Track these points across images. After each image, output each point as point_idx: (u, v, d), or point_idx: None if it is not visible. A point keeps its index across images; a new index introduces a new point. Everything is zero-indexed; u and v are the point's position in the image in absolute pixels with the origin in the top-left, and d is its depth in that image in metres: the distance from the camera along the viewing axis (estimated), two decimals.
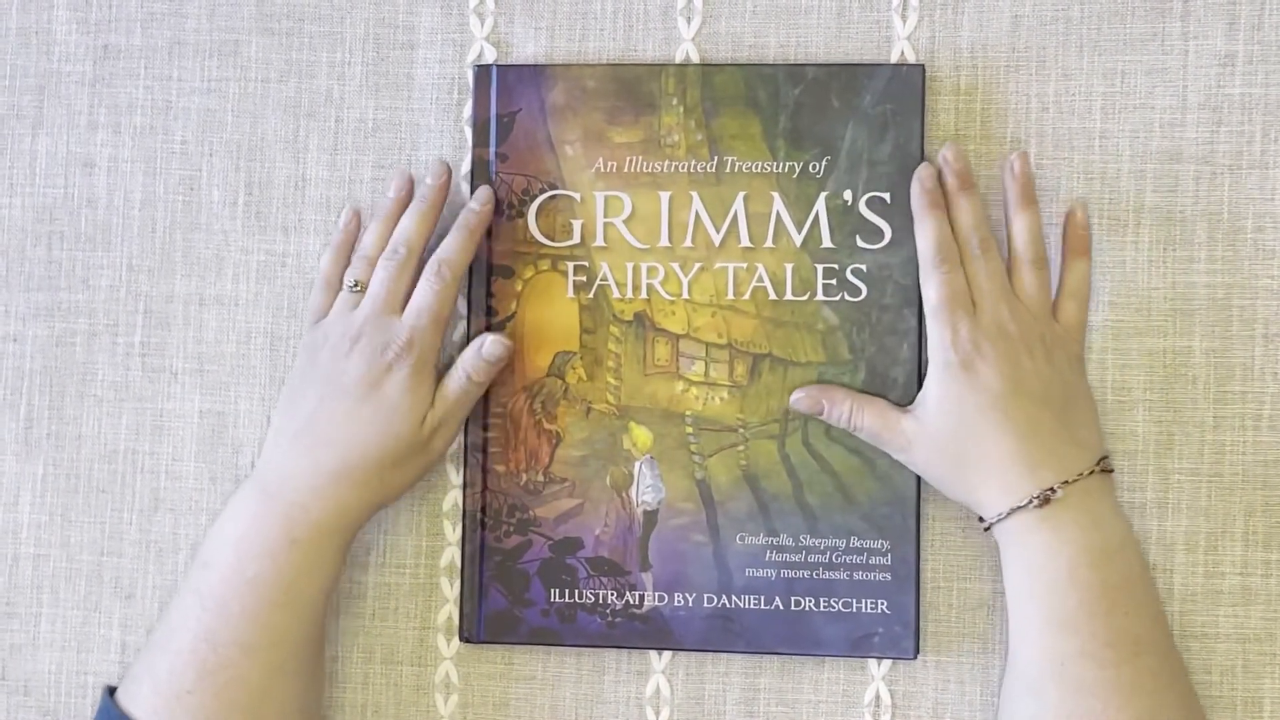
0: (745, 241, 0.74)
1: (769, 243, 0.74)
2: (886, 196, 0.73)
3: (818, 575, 0.73)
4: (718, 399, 0.74)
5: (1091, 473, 0.68)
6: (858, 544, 0.73)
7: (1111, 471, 0.70)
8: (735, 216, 0.74)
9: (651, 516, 0.74)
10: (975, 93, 0.75)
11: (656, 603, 0.74)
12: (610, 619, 0.74)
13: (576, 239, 0.75)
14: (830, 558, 0.73)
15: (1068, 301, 0.72)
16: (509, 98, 0.75)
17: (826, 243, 0.73)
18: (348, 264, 0.75)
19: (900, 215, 0.73)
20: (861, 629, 0.73)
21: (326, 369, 0.71)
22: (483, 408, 0.75)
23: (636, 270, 0.74)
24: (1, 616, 0.79)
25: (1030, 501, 0.66)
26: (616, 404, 0.74)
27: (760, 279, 0.74)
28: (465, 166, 0.77)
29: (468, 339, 0.75)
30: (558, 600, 0.74)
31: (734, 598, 0.73)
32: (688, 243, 0.74)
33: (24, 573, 0.79)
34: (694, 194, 0.74)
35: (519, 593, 0.74)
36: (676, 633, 0.74)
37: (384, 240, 0.74)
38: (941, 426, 0.69)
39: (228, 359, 0.78)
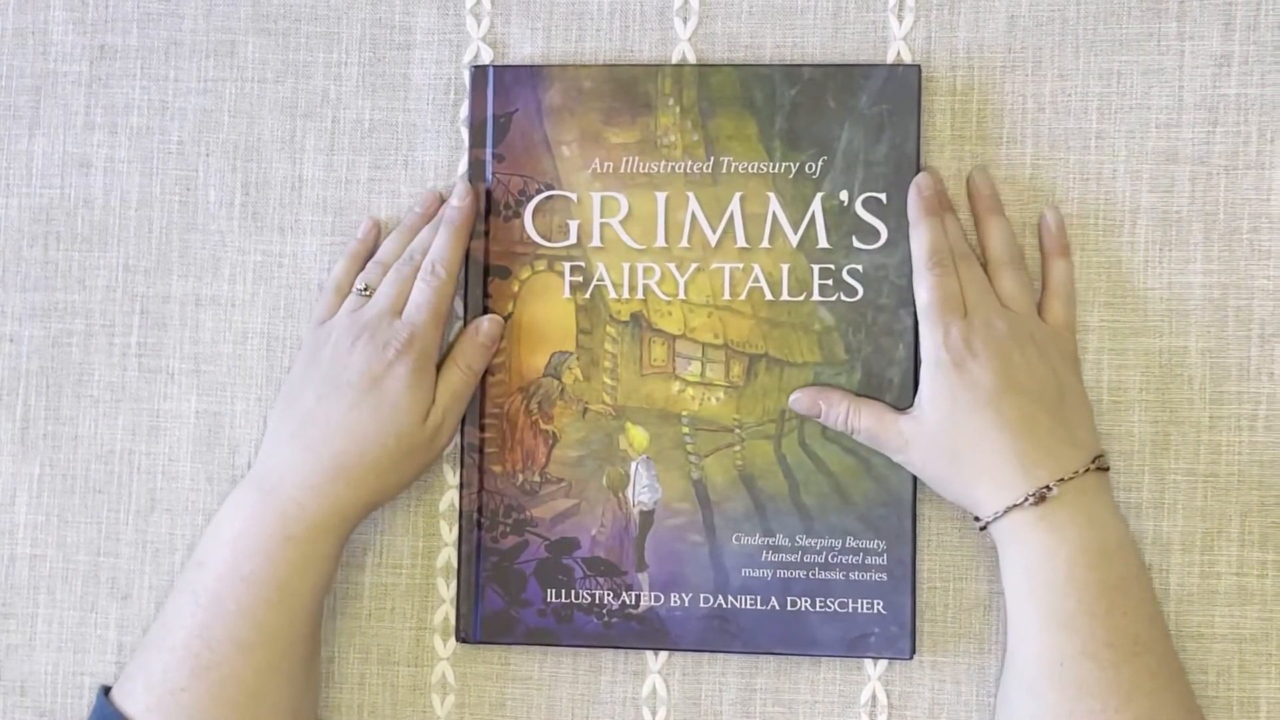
0: (741, 242, 0.74)
1: (765, 243, 0.74)
2: (882, 197, 0.73)
3: (814, 575, 0.73)
4: (714, 399, 0.74)
5: (1087, 470, 0.68)
6: (854, 544, 0.73)
7: (1107, 470, 0.70)
8: (731, 217, 0.74)
9: (648, 517, 0.74)
10: (971, 93, 0.75)
11: (653, 603, 0.74)
12: (607, 619, 0.74)
13: (573, 239, 0.75)
14: (826, 558, 0.73)
15: (1053, 301, 0.72)
16: (505, 98, 0.75)
17: (823, 243, 0.73)
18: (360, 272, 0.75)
19: (896, 216, 0.73)
20: (858, 629, 0.73)
21: (327, 367, 0.71)
22: (479, 408, 0.75)
23: (633, 271, 0.74)
24: None
25: (1026, 499, 0.67)
26: (613, 404, 0.74)
27: (756, 279, 0.74)
28: (462, 167, 0.77)
29: None
30: (554, 600, 0.74)
31: (730, 598, 0.73)
32: (684, 243, 0.74)
33: (20, 573, 0.79)
34: (690, 194, 0.74)
35: (515, 593, 0.74)
36: (673, 633, 0.74)
37: (401, 249, 0.75)
38: (936, 426, 0.69)
39: (224, 359, 0.78)
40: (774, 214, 0.73)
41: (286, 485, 0.70)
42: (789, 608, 0.73)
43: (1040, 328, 0.71)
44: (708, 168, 0.74)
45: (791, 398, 0.73)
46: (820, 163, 0.73)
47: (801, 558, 0.73)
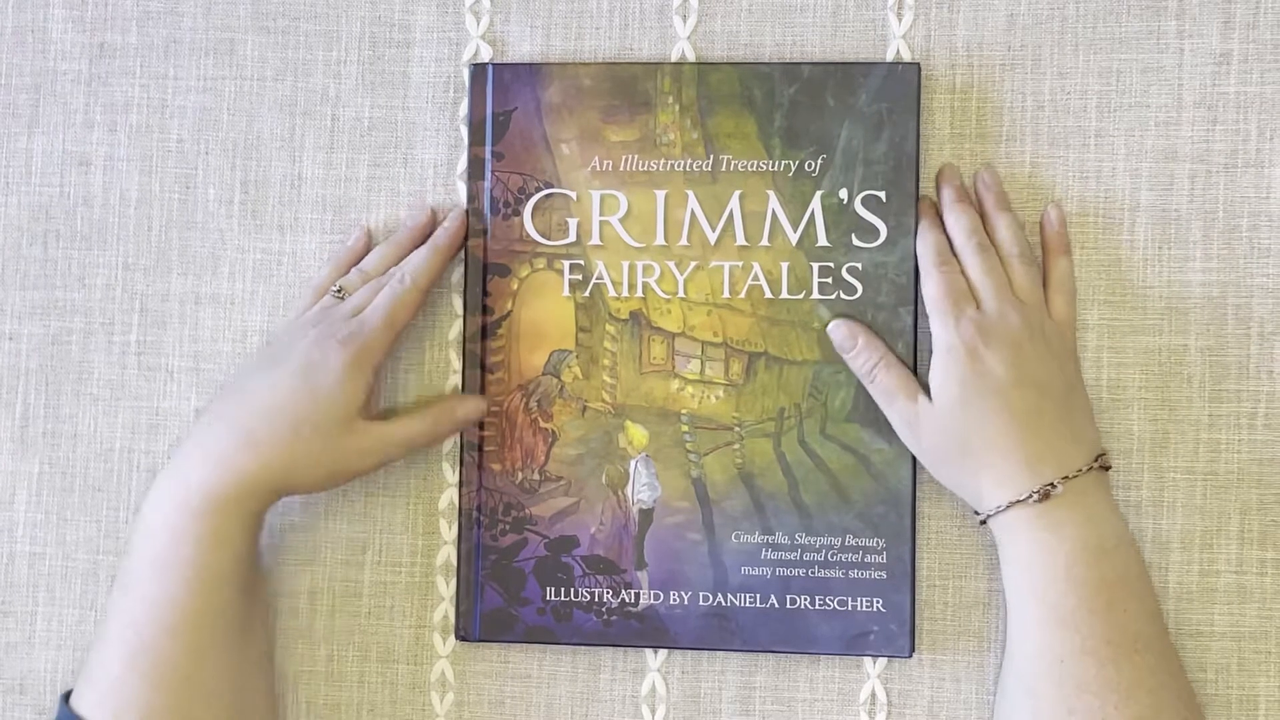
0: (741, 240, 0.74)
1: (764, 241, 0.74)
2: (882, 195, 0.73)
3: (813, 573, 0.73)
4: (713, 397, 0.74)
5: (1090, 469, 0.68)
6: (853, 542, 0.73)
7: (1109, 468, 0.70)
8: (731, 215, 0.74)
9: (647, 515, 0.74)
10: (971, 91, 0.75)
11: (652, 601, 0.74)
12: (606, 617, 0.74)
13: (572, 237, 0.75)
14: (826, 556, 0.73)
15: (1056, 297, 0.72)
16: (505, 96, 0.75)
17: (822, 241, 0.73)
18: None
19: (896, 214, 0.73)
20: (857, 627, 0.73)
21: (274, 350, 0.72)
22: None
23: (632, 269, 0.74)
24: None
25: (1030, 496, 0.67)
26: (612, 402, 0.74)
27: (756, 277, 0.74)
28: (461, 165, 0.77)
29: (464, 338, 0.75)
30: (553, 599, 0.74)
31: (729, 596, 0.73)
32: (683, 241, 0.74)
33: (19, 571, 0.79)
34: (690, 192, 0.74)
35: (515, 591, 0.74)
36: (672, 631, 0.74)
37: (388, 263, 0.75)
38: (944, 412, 0.68)
39: (224, 358, 0.78)
40: (773, 212, 0.73)
41: (193, 456, 0.69)
42: (788, 606, 0.73)
43: (1049, 322, 0.71)
44: (707, 166, 0.74)
45: (832, 324, 0.72)
46: (819, 161, 0.73)
47: (801, 556, 0.73)
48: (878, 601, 0.73)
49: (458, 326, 0.77)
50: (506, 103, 0.75)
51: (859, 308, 0.73)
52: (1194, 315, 0.74)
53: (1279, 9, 0.74)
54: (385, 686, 0.77)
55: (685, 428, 0.74)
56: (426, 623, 0.77)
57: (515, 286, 0.75)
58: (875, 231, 0.73)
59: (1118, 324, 0.74)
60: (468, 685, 0.76)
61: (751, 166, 0.74)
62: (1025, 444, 0.67)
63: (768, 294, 0.74)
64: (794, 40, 0.76)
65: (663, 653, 0.76)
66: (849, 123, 0.73)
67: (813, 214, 0.73)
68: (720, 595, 0.73)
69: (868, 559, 0.73)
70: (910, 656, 0.73)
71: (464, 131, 0.77)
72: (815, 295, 0.73)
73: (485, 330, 0.75)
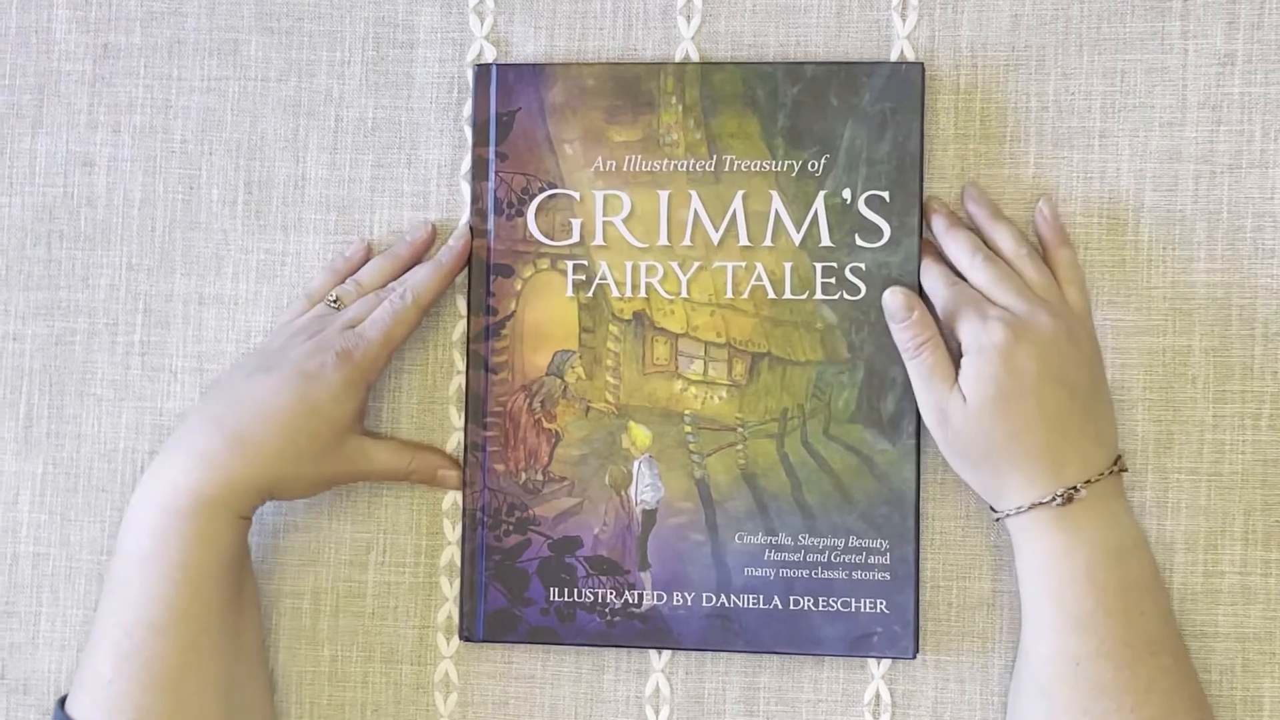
0: (744, 240, 0.74)
1: (768, 241, 0.74)
2: (885, 195, 0.73)
3: (816, 574, 0.73)
4: (716, 398, 0.74)
5: (1111, 472, 0.68)
6: (856, 543, 0.73)
7: (1126, 470, 0.70)
8: (734, 215, 0.74)
9: (650, 515, 0.74)
10: (975, 91, 0.75)
11: (655, 602, 0.74)
12: (609, 618, 0.74)
13: (575, 238, 0.75)
14: (829, 557, 0.73)
15: (1067, 288, 0.72)
16: (508, 97, 0.75)
17: (825, 241, 0.73)
18: None
19: (899, 214, 0.73)
20: (860, 628, 0.73)
21: (267, 354, 0.72)
22: (482, 407, 0.75)
23: (635, 269, 0.74)
24: (1, 615, 0.79)
25: (1054, 499, 0.66)
26: (615, 403, 0.74)
27: (759, 278, 0.74)
28: (465, 165, 0.77)
29: (468, 339, 0.75)
30: (557, 599, 0.74)
31: (733, 597, 0.73)
32: (686, 241, 0.74)
33: (24, 571, 0.79)
34: (693, 193, 0.74)
35: (518, 592, 0.74)
36: (675, 632, 0.74)
37: (385, 276, 0.75)
38: (978, 410, 0.67)
39: (227, 358, 0.78)
40: (776, 212, 0.73)
41: (179, 454, 0.69)
42: (792, 607, 0.73)
43: (1073, 316, 0.70)
44: (710, 166, 0.74)
45: (888, 291, 0.71)
46: (823, 161, 0.73)
47: (804, 557, 0.73)
48: (881, 603, 0.73)
49: (461, 327, 0.77)
50: (510, 103, 0.75)
51: (862, 308, 0.73)
52: (1198, 316, 0.74)
53: None
54: (389, 687, 0.77)
55: (688, 428, 0.74)
56: (430, 623, 0.77)
57: (519, 287, 0.75)
58: (879, 231, 0.73)
59: (1122, 324, 0.74)
60: (471, 686, 0.76)
61: (755, 166, 0.74)
62: (1052, 445, 0.67)
63: (771, 294, 0.74)
64: (798, 40, 0.76)
65: (666, 653, 0.76)
66: (852, 123, 0.73)
67: (816, 214, 0.73)
68: (723, 596, 0.73)
69: (871, 560, 0.73)
70: (914, 658, 0.73)
71: (468, 132, 0.77)
72: (818, 295, 0.73)
73: (489, 331, 0.75)
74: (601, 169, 0.74)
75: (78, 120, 0.79)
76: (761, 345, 0.74)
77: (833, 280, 0.73)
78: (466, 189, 0.77)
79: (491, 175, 0.75)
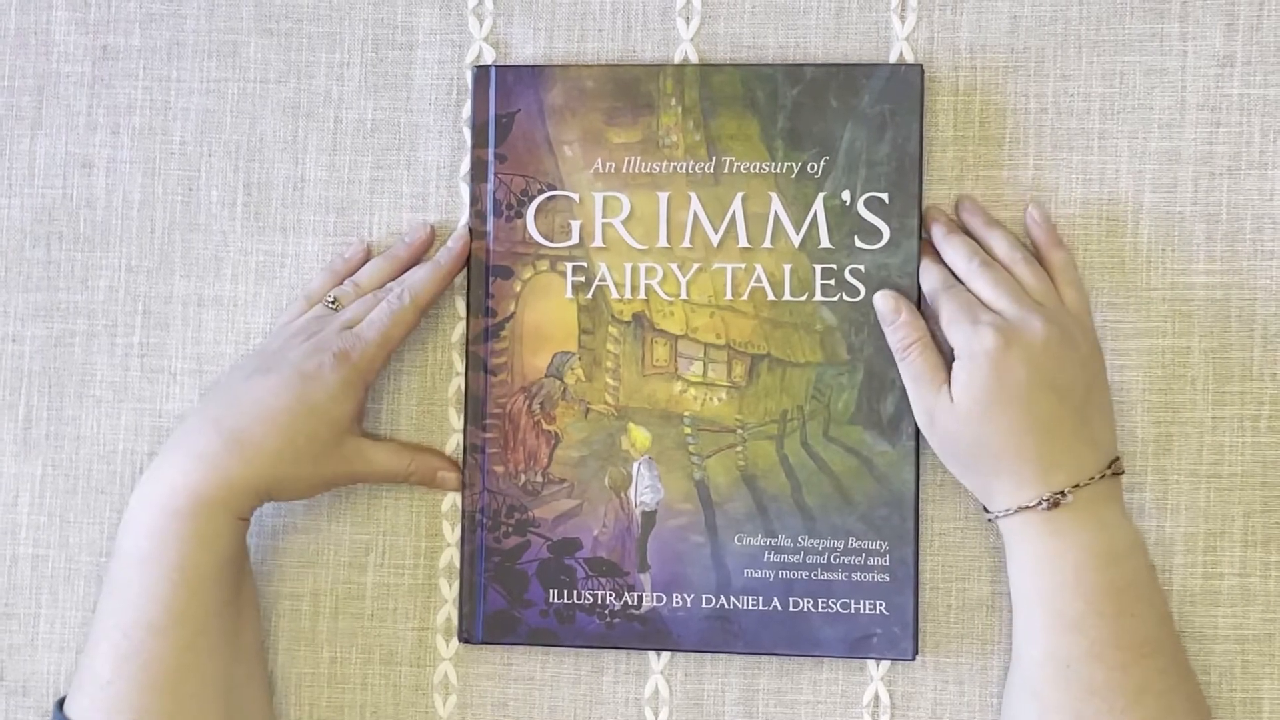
0: (743, 242, 0.74)
1: (767, 243, 0.74)
2: (885, 197, 0.73)
3: (816, 576, 0.73)
4: (716, 399, 0.74)
5: (1103, 476, 0.68)
6: (856, 545, 0.73)
7: (1122, 474, 0.70)
8: (733, 217, 0.74)
9: (650, 517, 0.74)
10: (974, 93, 0.75)
11: (655, 603, 0.74)
12: (609, 620, 0.74)
13: (575, 239, 0.75)
14: (829, 558, 0.73)
15: (1065, 289, 0.72)
16: (508, 98, 0.75)
17: (825, 243, 0.73)
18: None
19: (898, 216, 0.73)
20: (860, 630, 0.73)
21: (266, 355, 0.72)
22: (481, 408, 0.75)
23: (635, 271, 0.74)
24: (0, 617, 0.79)
25: (1040, 503, 0.66)
26: (615, 404, 0.74)
27: (758, 279, 0.74)
28: (464, 167, 0.77)
29: (467, 340, 0.75)
30: (556, 601, 0.74)
31: (732, 598, 0.73)
32: (686, 243, 0.74)
33: (23, 573, 0.79)
34: (692, 194, 0.74)
35: (518, 593, 0.74)
36: (675, 633, 0.74)
37: (383, 277, 0.75)
38: (966, 413, 0.67)
39: (226, 359, 0.78)
40: (776, 214, 0.73)
41: (177, 455, 0.69)
42: (791, 608, 0.73)
43: (1070, 319, 0.70)
44: (710, 168, 0.74)
45: (878, 294, 0.72)
46: (822, 163, 0.73)
47: (804, 558, 0.73)
48: (881, 604, 0.73)
49: (460, 328, 0.77)
50: (509, 105, 0.75)
51: (862, 310, 0.73)
52: (1197, 318, 0.74)
53: None
54: (388, 689, 0.77)
55: (688, 430, 0.74)
56: (429, 625, 0.77)
57: (518, 288, 0.75)
58: (878, 233, 0.73)
59: (1121, 326, 0.74)
60: (470, 687, 0.76)
61: (754, 168, 0.74)
62: (1040, 452, 0.67)
63: (770, 296, 0.74)
64: (797, 42, 0.76)
65: (665, 655, 0.76)
66: (852, 124, 0.73)
67: (815, 216, 0.73)
68: (723, 598, 0.73)
69: (871, 561, 0.73)
70: (913, 659, 0.73)
71: (467, 134, 0.77)
72: (818, 297, 0.73)
73: (488, 332, 0.75)
74: (601, 170, 0.74)
75: (77, 122, 0.79)
76: (761, 347, 0.74)
77: (832, 282, 0.73)
78: (465, 190, 0.77)
79: (491, 177, 0.75)
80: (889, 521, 0.73)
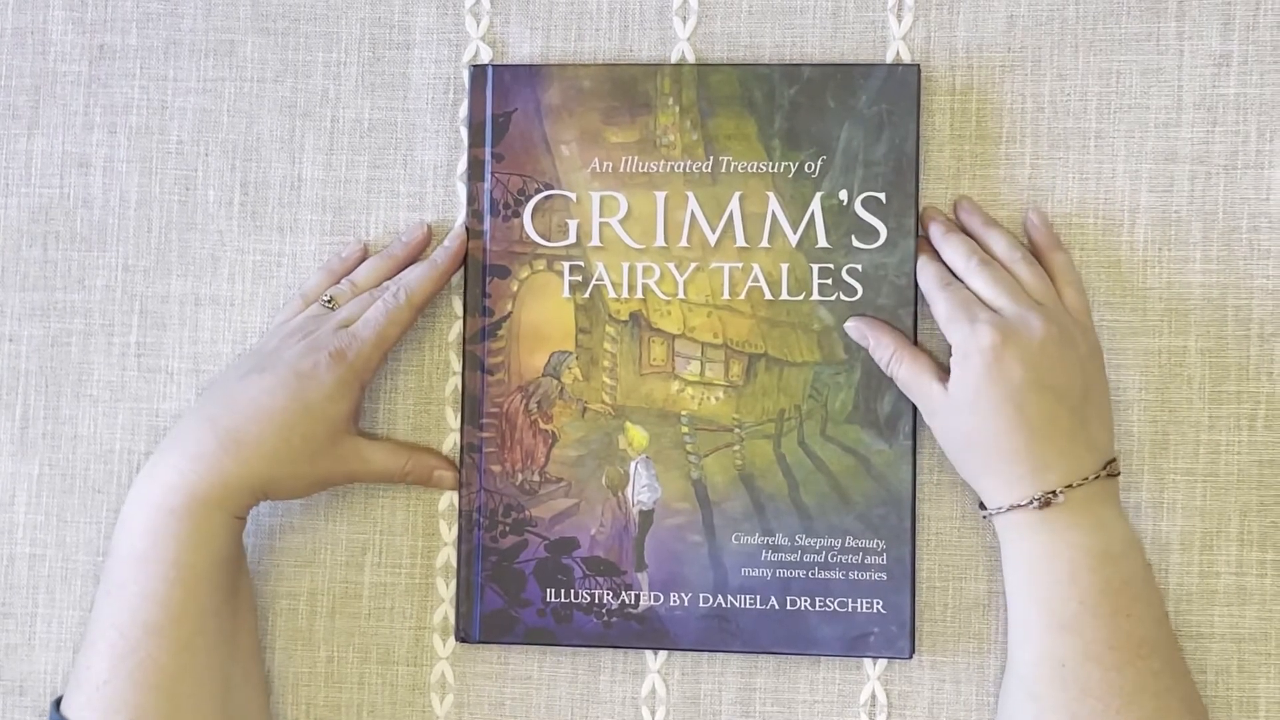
0: (741, 241, 0.74)
1: (764, 243, 0.74)
2: (882, 196, 0.73)
3: (813, 575, 0.73)
4: (713, 399, 0.74)
5: (1098, 477, 0.68)
6: (853, 544, 0.73)
7: (1118, 475, 0.70)
8: (731, 216, 0.74)
9: (647, 516, 0.74)
10: (971, 93, 0.75)
11: (652, 602, 0.74)
12: (606, 619, 0.74)
13: (572, 239, 0.75)
14: (826, 557, 0.73)
15: (1065, 289, 0.72)
16: (505, 98, 0.75)
17: (822, 242, 0.73)
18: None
19: (896, 215, 0.73)
20: (857, 629, 0.73)
21: (262, 354, 0.72)
22: (478, 408, 0.75)
23: (632, 270, 0.74)
24: None
25: (1031, 502, 0.66)
26: (612, 404, 0.74)
27: (756, 279, 0.74)
28: (461, 166, 0.77)
29: (464, 340, 0.75)
30: (554, 600, 0.74)
31: (730, 597, 0.73)
32: (683, 243, 0.74)
33: (19, 573, 0.79)
34: (689, 194, 0.74)
35: (515, 593, 0.74)
36: (672, 632, 0.74)
37: (380, 277, 0.75)
38: (959, 409, 0.68)
39: (223, 359, 0.78)
40: (773, 213, 0.73)
41: (173, 454, 0.69)
42: (788, 607, 0.73)
43: (1070, 319, 0.70)
44: (707, 167, 0.74)
45: (848, 323, 0.73)
46: (819, 162, 0.73)
47: (801, 557, 0.73)
48: (878, 603, 0.73)
49: (457, 328, 0.77)
50: (506, 104, 0.75)
51: (859, 309, 0.73)
52: (1194, 317, 0.74)
53: (1279, 10, 0.74)
54: (385, 688, 0.77)
55: (685, 429, 0.74)
56: (426, 624, 0.77)
57: (515, 288, 0.75)
58: (875, 233, 0.73)
59: (1117, 325, 0.74)
60: (468, 687, 0.76)
61: (751, 168, 0.74)
62: (1032, 451, 0.67)
63: (768, 295, 0.74)
64: (794, 42, 0.76)
65: (663, 654, 0.76)
66: (849, 124, 0.73)
67: (813, 215, 0.73)
68: (720, 597, 0.73)
69: (868, 560, 0.73)
70: (910, 658, 0.73)
71: (464, 133, 0.77)
72: (815, 296, 0.73)
73: (485, 332, 0.75)
74: (598, 170, 0.74)
75: (74, 121, 0.79)
76: (758, 346, 0.74)
77: (829, 281, 0.73)
78: (463, 190, 0.77)
79: (488, 176, 0.75)
80: (886, 520, 0.73)
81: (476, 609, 0.74)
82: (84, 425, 0.79)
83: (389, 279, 0.75)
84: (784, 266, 0.74)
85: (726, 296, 0.74)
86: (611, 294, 0.74)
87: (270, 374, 0.70)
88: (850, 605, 0.73)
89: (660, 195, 0.74)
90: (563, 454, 0.74)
